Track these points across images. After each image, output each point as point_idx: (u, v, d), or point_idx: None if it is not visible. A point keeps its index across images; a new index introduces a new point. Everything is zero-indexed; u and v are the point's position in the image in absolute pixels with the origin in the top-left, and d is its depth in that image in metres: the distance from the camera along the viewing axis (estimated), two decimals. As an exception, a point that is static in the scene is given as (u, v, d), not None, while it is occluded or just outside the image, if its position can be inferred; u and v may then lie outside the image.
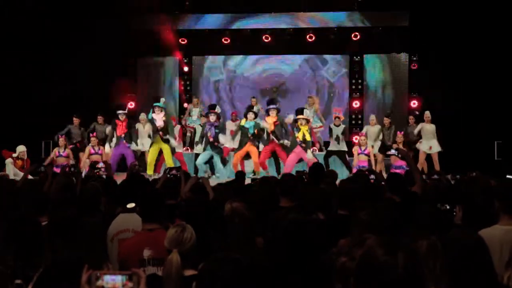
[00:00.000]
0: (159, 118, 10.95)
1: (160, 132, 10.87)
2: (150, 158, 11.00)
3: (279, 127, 10.65)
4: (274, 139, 10.64)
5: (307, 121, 10.62)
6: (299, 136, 10.35)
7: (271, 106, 10.86)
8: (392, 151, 10.23)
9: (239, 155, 10.82)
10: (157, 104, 11.04)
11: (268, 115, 10.84)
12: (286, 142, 10.63)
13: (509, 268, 2.40)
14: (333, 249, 2.58)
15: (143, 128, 11.80)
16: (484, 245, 2.34)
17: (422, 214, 3.14)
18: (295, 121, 10.55)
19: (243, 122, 11.29)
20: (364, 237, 2.42)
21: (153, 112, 11.07)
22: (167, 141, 10.95)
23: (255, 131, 10.81)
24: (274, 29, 14.69)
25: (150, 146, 11.10)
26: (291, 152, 10.45)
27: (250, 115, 10.96)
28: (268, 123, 10.71)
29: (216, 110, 10.92)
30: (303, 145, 10.29)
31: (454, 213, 3.49)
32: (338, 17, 14.57)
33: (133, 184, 4.56)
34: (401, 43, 14.39)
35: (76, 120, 12.07)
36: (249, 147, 10.82)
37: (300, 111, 10.56)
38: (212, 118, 10.78)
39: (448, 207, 3.52)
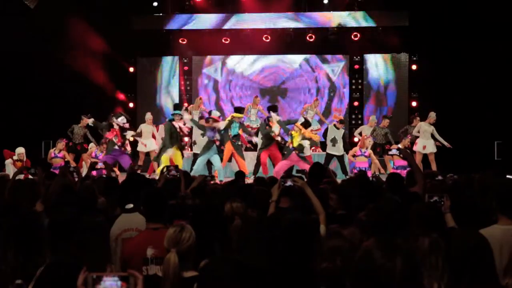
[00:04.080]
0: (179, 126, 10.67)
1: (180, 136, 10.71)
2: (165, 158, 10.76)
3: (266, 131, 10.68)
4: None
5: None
6: (294, 142, 10.14)
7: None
8: (394, 151, 10.24)
9: (226, 159, 10.71)
10: (177, 112, 10.73)
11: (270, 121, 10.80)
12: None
13: (508, 274, 2.39)
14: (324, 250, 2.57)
15: (148, 129, 11.77)
16: (487, 245, 2.34)
17: (418, 212, 3.14)
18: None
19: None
20: (334, 227, 2.41)
21: (173, 120, 10.64)
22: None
23: (239, 131, 10.73)
24: (274, 29, 14.68)
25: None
26: (286, 158, 10.23)
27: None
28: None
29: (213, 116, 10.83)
30: (296, 152, 10.03)
31: (442, 203, 3.50)
32: (338, 17, 14.57)
33: (133, 184, 4.55)
34: (401, 43, 14.39)
35: (85, 121, 11.61)
36: (232, 148, 10.68)
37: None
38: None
39: (437, 198, 3.53)
